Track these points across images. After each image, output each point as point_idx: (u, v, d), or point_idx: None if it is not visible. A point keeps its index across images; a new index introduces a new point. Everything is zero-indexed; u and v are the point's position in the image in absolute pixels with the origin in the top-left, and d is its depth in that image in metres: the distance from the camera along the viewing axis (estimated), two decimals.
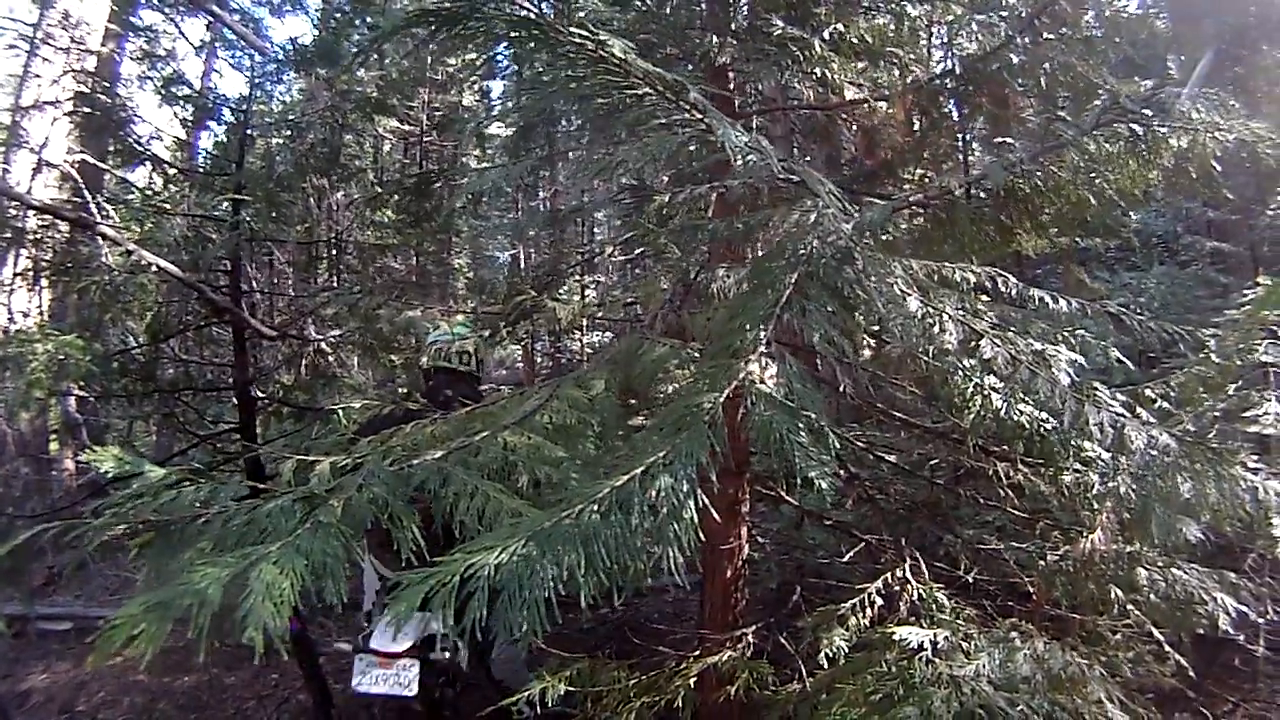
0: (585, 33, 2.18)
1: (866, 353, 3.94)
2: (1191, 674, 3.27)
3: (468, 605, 1.43)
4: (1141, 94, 3.62)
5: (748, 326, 2.02)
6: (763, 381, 1.90)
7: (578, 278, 6.39)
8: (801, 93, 4.61)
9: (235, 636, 1.61)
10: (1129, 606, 3.29)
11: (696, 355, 2.88)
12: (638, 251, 5.82)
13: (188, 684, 6.34)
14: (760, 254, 2.62)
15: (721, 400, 1.75)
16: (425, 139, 9.82)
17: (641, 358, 2.72)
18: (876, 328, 3.29)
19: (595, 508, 1.53)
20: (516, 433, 2.21)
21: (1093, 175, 3.43)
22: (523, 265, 11.06)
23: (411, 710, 4.08)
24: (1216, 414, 3.23)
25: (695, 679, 3.38)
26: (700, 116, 2.35)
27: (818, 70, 3.97)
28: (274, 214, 5.15)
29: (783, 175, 2.39)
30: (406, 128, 7.62)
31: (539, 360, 10.56)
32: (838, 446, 2.01)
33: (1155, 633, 3.25)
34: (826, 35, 3.83)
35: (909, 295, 2.85)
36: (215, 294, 4.45)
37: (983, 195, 3.40)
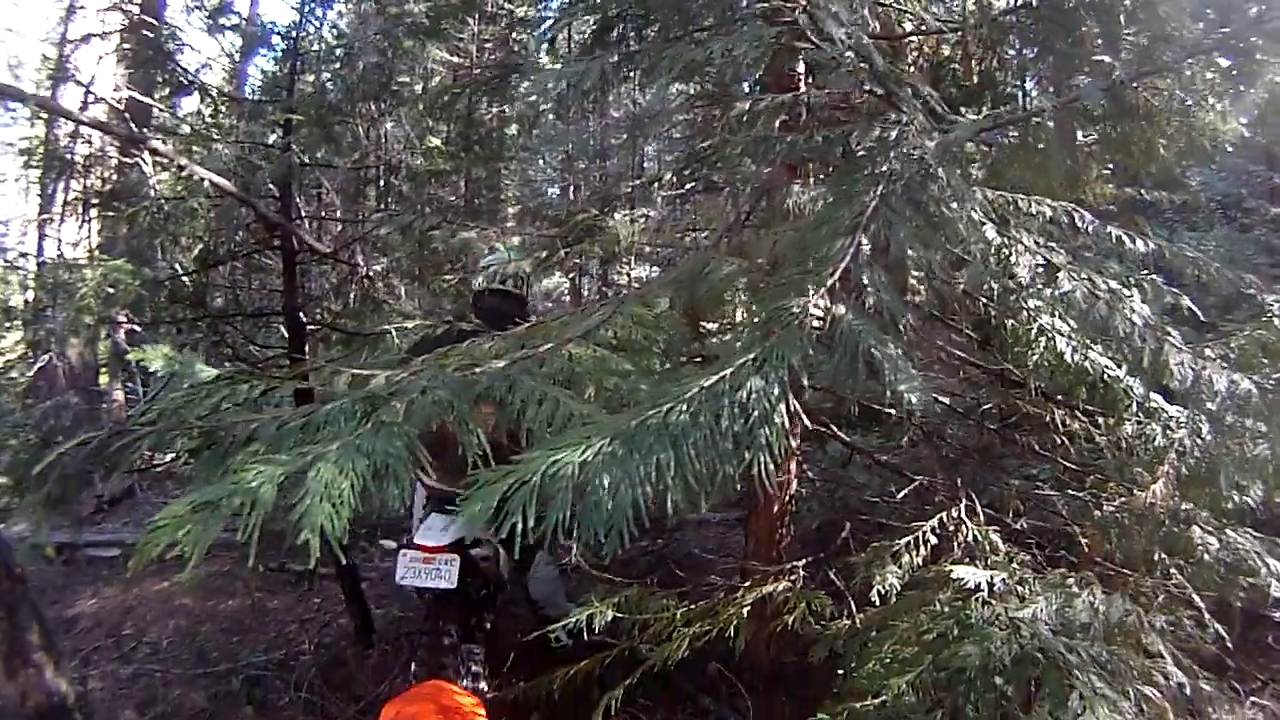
0: None
1: (922, 291, 3.77)
2: (1229, 644, 3.12)
3: (549, 506, 1.30)
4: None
5: (833, 236, 1.87)
6: (850, 293, 1.76)
7: (627, 211, 6.23)
8: (864, 22, 4.41)
9: (289, 539, 1.48)
10: (1172, 569, 3.17)
11: (767, 275, 2.75)
12: (688, 187, 5.65)
13: (231, 608, 6.37)
14: (839, 169, 2.46)
15: (810, 305, 1.61)
16: (475, 71, 9.66)
17: (707, 276, 2.58)
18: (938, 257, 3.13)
19: (684, 408, 1.40)
20: (581, 345, 2.08)
21: (1188, 106, 3.24)
22: (572, 196, 10.93)
23: (451, 606, 4.07)
24: (1275, 380, 3.06)
25: (748, 608, 3.27)
26: (807, 8, 2.19)
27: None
28: (325, 141, 5.02)
29: (869, 87, 2.24)
30: (456, 60, 7.45)
31: (585, 292, 10.43)
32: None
33: (1196, 598, 3.09)
34: None
35: (986, 223, 2.70)
36: (270, 214, 4.32)
37: (1078, 118, 3.22)
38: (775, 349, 1.47)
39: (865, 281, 1.80)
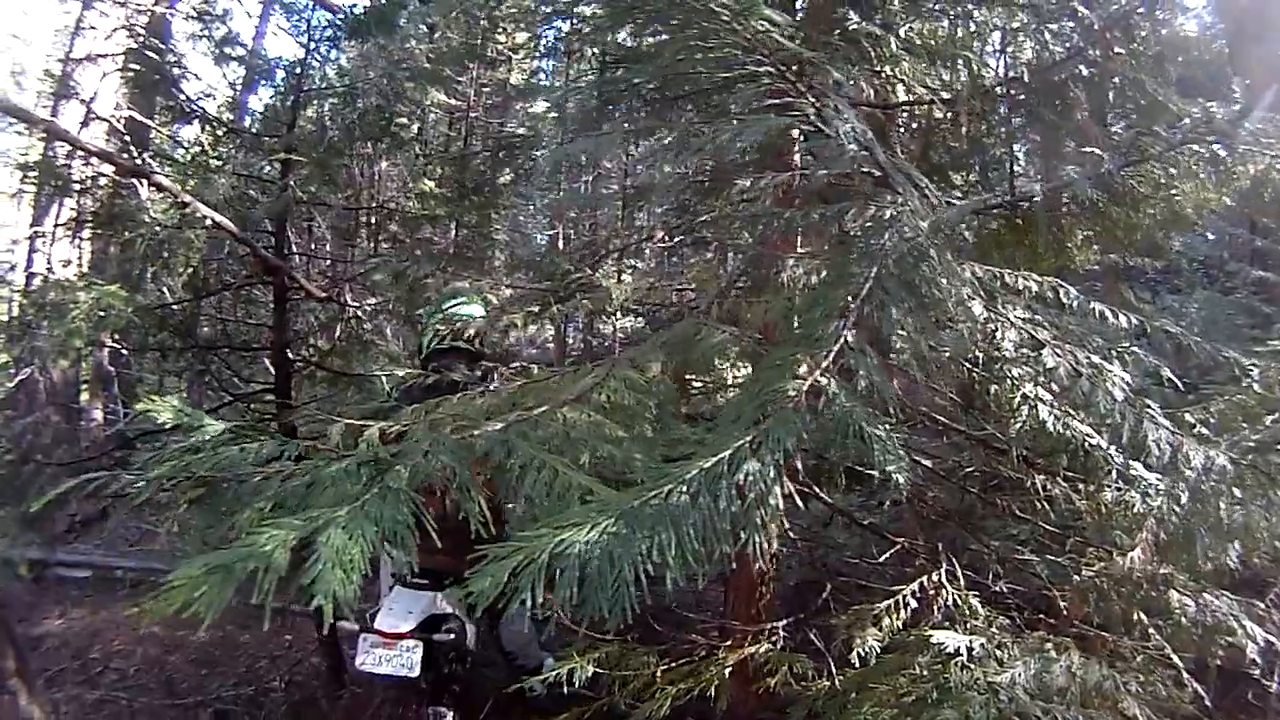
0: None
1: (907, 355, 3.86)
2: (1207, 704, 3.19)
3: (556, 583, 1.36)
4: (1214, 115, 3.53)
5: (827, 316, 1.95)
6: (842, 373, 1.83)
7: (614, 263, 6.32)
8: (860, 90, 4.52)
9: (303, 601, 1.54)
10: (1150, 630, 3.21)
11: (757, 343, 2.82)
12: (676, 240, 5.75)
13: (200, 639, 6.27)
14: (834, 246, 2.55)
15: (806, 387, 1.68)
16: (472, 114, 9.80)
17: (699, 343, 2.64)
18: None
19: (684, 489, 1.46)
20: (575, 409, 2.14)
21: (1173, 192, 3.36)
22: (561, 246, 11.04)
23: (417, 689, 4.06)
24: (1252, 444, 3.14)
25: (730, 669, 3.32)
26: (813, 101, 2.29)
27: (886, 69, 3.89)
28: (323, 178, 5.10)
29: (866, 169, 2.33)
30: (453, 102, 7.59)
31: (570, 341, 10.50)
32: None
33: (1175, 659, 3.16)
34: (901, 33, 3.74)
35: (974, 299, 2.79)
36: (266, 255, 4.38)
37: (1065, 203, 3.33)
38: (772, 432, 1.54)
39: (857, 365, 1.87)
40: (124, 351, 6.47)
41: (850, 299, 2.01)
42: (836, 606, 3.87)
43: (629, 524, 1.41)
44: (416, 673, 3.72)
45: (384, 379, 4.47)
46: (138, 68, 7.85)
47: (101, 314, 4.22)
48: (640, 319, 7.88)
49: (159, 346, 5.26)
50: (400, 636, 3.73)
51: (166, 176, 4.50)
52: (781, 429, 1.55)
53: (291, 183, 5.01)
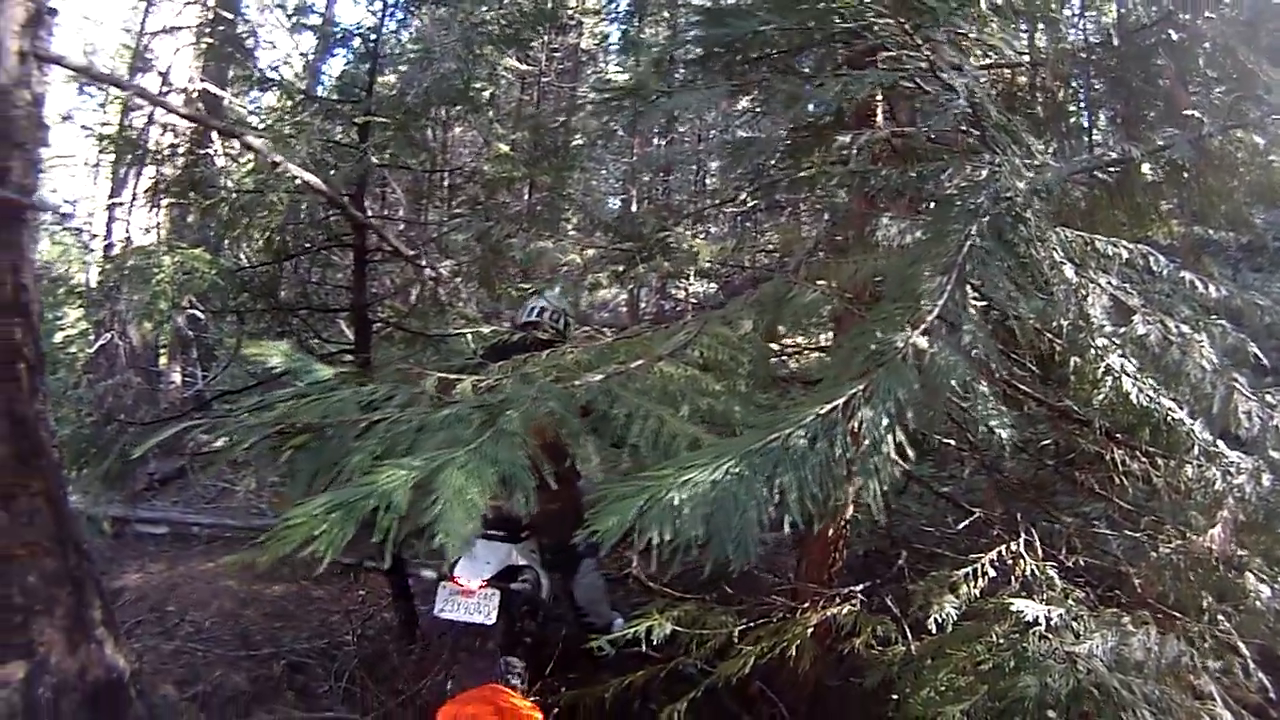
0: None
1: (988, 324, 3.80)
2: (1272, 695, 3.13)
3: (682, 523, 1.37)
4: None
5: (930, 273, 1.94)
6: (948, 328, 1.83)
7: (689, 226, 6.32)
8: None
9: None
10: (1220, 616, 3.17)
11: (849, 303, 2.81)
12: (751, 204, 5.74)
13: (275, 593, 6.49)
14: (935, 205, 2.53)
15: (912, 340, 1.68)
16: (544, 79, 9.84)
17: (790, 301, 2.64)
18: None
19: (801, 433, 1.47)
20: (671, 364, 2.16)
21: (1271, 159, 3.27)
22: (634, 209, 11.06)
23: (490, 639, 4.27)
24: None
25: (812, 630, 3.33)
26: (930, 54, 2.28)
27: (971, 30, 3.82)
28: (401, 143, 5.15)
29: (966, 128, 2.32)
30: (525, 67, 7.61)
31: (642, 305, 10.53)
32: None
33: (1242, 646, 3.10)
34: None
35: (1065, 263, 2.75)
36: (358, 214, 4.44)
37: (1162, 166, 3.26)
38: (883, 382, 1.54)
39: (961, 321, 1.86)
40: (201, 315, 6.58)
41: (953, 256, 2.00)
42: (910, 574, 3.85)
43: (750, 466, 1.41)
44: (492, 620, 3.95)
45: (470, 337, 4.56)
46: (211, 40, 8.01)
47: (186, 277, 4.31)
48: (713, 283, 7.90)
49: (240, 309, 5.35)
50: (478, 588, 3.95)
51: (260, 142, 4.55)
52: (893, 379, 1.55)
53: (369, 147, 5.05)
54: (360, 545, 5.16)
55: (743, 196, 4.66)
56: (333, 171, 5.04)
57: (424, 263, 5.07)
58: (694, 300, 8.65)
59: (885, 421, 1.50)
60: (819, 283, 2.77)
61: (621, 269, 5.05)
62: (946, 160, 2.44)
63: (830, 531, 4.23)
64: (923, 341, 1.71)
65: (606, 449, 1.93)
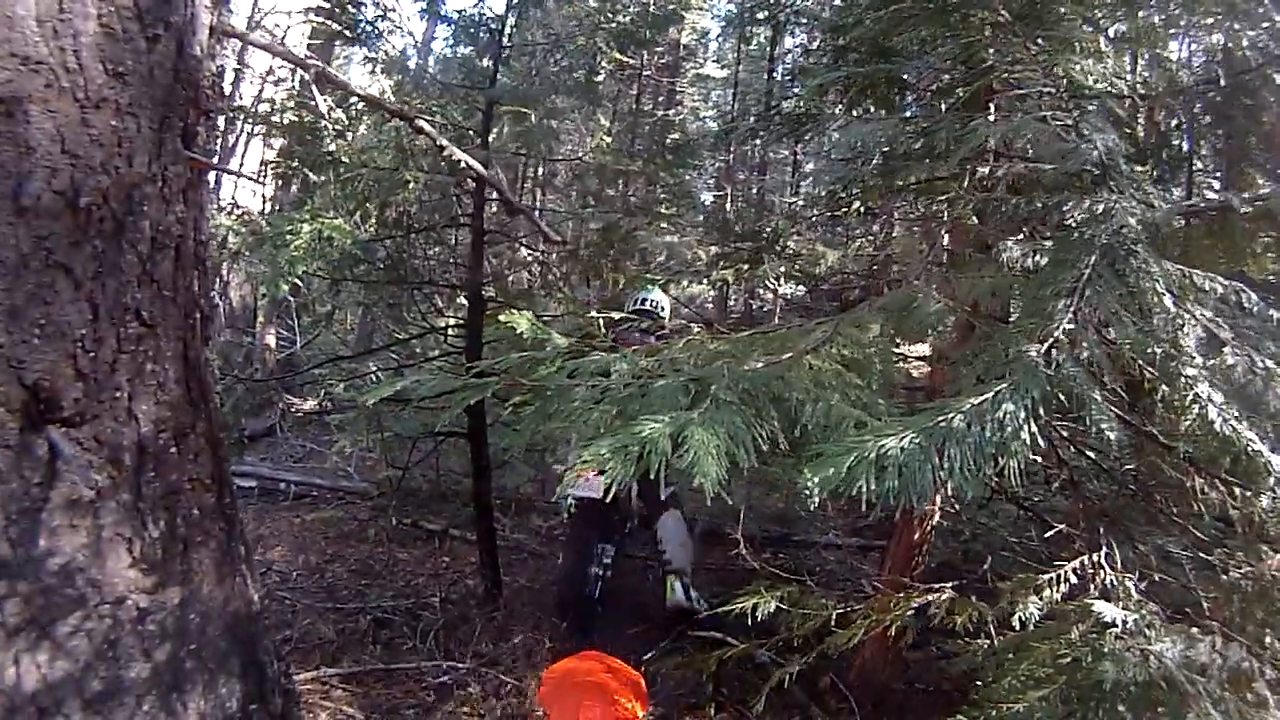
0: None
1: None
2: None
3: (882, 476, 1.84)
4: None
5: (1056, 296, 2.35)
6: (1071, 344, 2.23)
7: (785, 228, 6.67)
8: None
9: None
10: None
11: (968, 314, 3.19)
12: (842, 211, 6.10)
13: (361, 553, 6.95)
14: (1059, 236, 2.87)
15: (1044, 350, 2.10)
16: (644, 73, 10.21)
17: (915, 310, 3.01)
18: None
19: (960, 419, 1.91)
20: (817, 358, 2.57)
21: None
22: (727, 209, 11.42)
23: (594, 514, 5.52)
24: None
25: (913, 611, 3.67)
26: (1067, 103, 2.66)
27: (1080, 64, 4.14)
28: (523, 131, 5.57)
29: (1088, 166, 2.70)
30: (628, 60, 7.98)
31: (731, 303, 10.85)
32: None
33: None
34: (1111, 32, 4.01)
35: (1165, 294, 3.09)
36: (513, 199, 4.83)
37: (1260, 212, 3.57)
38: (1022, 383, 1.97)
39: (1080, 338, 2.27)
40: (300, 283, 7.03)
41: (1075, 281, 2.40)
42: (987, 582, 4.18)
43: (926, 437, 1.86)
44: (600, 494, 4.55)
45: (599, 319, 5.00)
46: (324, 19, 8.45)
47: (322, 244, 4.73)
48: (802, 285, 8.23)
49: (362, 278, 5.79)
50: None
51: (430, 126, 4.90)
52: (1029, 380, 1.98)
53: (493, 135, 5.46)
54: (446, 513, 5.62)
55: (855, 205, 4.99)
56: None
57: (567, 246, 5.44)
58: (782, 301, 8.98)
59: (1023, 415, 1.93)
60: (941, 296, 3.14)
61: (745, 267, 5.43)
62: (1069, 195, 2.80)
63: (916, 535, 4.57)
64: (1051, 353, 2.13)
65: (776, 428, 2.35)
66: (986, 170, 3.12)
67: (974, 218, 3.47)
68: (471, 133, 5.63)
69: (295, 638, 5.42)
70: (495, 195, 5.13)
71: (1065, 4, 3.73)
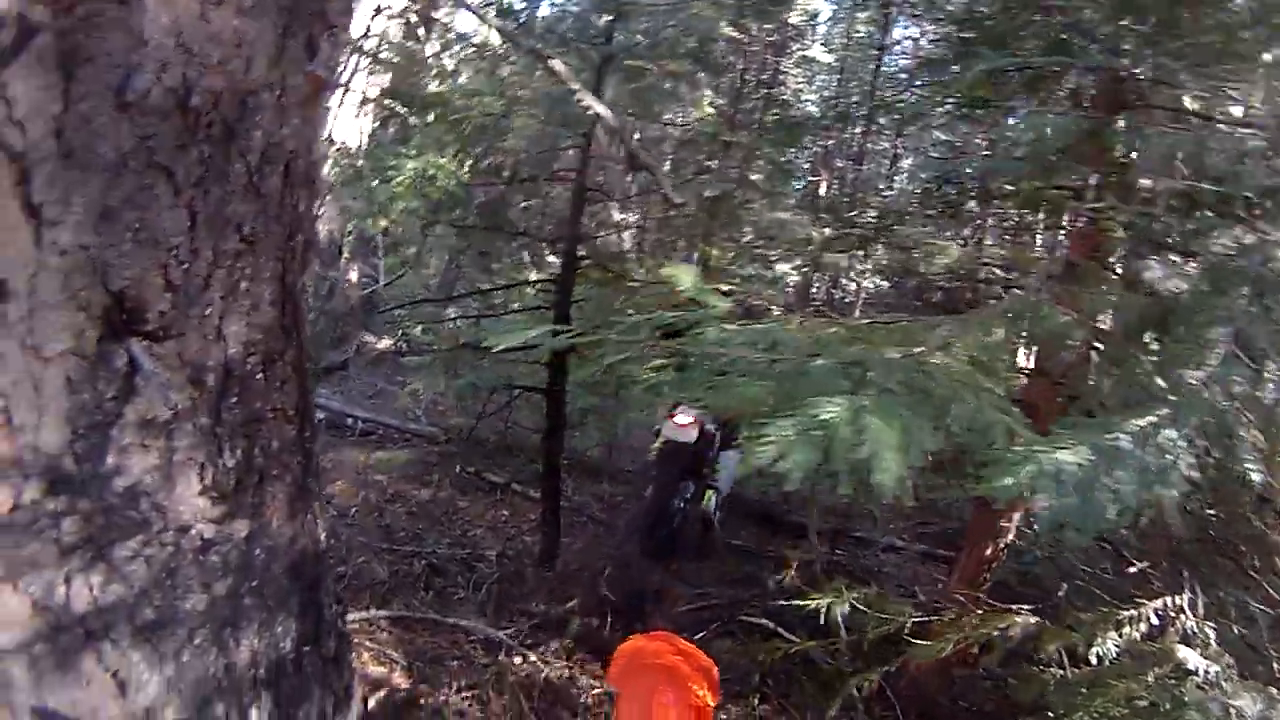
0: None
1: None
2: None
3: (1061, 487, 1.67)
4: None
5: (1210, 323, 2.13)
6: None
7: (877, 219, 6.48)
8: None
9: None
10: None
11: (1098, 332, 2.96)
12: (941, 209, 5.85)
13: (422, 496, 6.87)
14: (1211, 265, 2.65)
15: (1205, 378, 1.89)
16: (751, 49, 9.93)
17: (1042, 320, 2.79)
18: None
19: (1126, 439, 1.71)
20: (947, 355, 2.36)
21: None
22: (822, 191, 11.17)
23: (680, 456, 6.04)
24: None
25: (997, 631, 3.48)
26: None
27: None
28: (633, 93, 5.35)
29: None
30: (737, 35, 7.71)
31: (814, 289, 10.62)
32: None
33: None
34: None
35: None
36: (640, 152, 4.63)
37: None
38: (1183, 410, 1.76)
39: (1231, 370, 2.05)
40: (393, 220, 6.92)
41: (1227, 311, 2.17)
42: (1066, 609, 3.98)
43: (1097, 455, 1.67)
44: (691, 440, 5.88)
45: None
46: None
47: (424, 183, 4.59)
48: (884, 280, 8.02)
49: (457, 222, 5.62)
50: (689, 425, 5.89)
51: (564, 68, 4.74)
52: (1189, 408, 1.77)
53: (604, 91, 5.26)
54: (510, 467, 5.50)
55: (970, 204, 4.76)
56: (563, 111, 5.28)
57: (689, 209, 5.17)
58: (864, 294, 8.74)
59: (1185, 443, 1.72)
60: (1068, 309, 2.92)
61: (860, 252, 5.20)
62: (1222, 220, 2.58)
63: (989, 550, 4.37)
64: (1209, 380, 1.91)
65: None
66: (1151, 183, 2.88)
67: (1120, 230, 3.23)
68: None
69: (349, 574, 5.37)
70: (611, 150, 4.93)
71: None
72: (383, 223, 4.57)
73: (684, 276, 2.70)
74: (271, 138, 2.03)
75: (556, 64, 3.98)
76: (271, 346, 2.25)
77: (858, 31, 14.62)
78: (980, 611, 3.63)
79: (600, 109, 4.05)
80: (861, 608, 3.60)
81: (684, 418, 5.86)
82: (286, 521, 2.45)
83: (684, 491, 6.15)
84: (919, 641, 3.49)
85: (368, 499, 6.70)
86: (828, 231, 5.68)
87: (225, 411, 2.09)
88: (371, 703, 3.93)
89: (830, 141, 11.84)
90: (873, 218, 5.51)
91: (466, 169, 5.36)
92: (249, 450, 2.22)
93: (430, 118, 5.32)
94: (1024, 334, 2.92)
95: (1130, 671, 3.23)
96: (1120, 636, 3.44)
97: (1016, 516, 4.33)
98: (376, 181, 4.74)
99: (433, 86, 5.08)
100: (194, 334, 1.94)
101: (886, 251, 5.18)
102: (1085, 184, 3.89)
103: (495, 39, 6.27)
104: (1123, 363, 2.40)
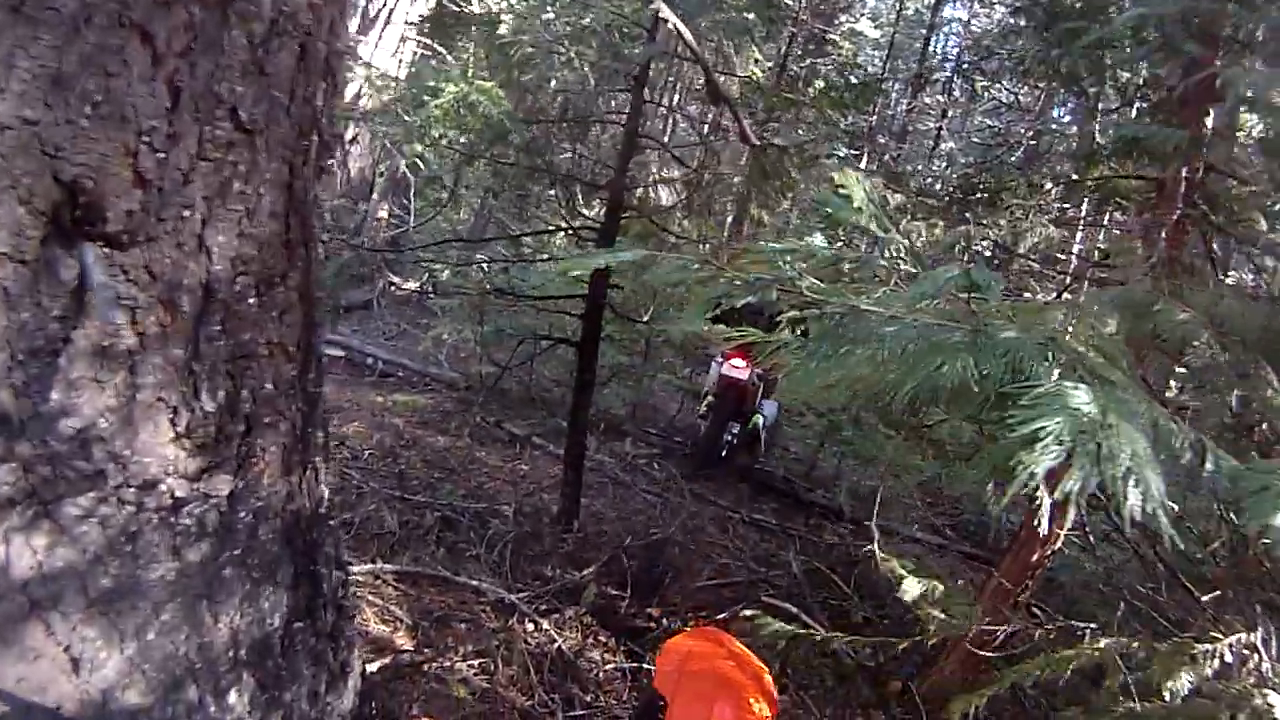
0: None
1: None
2: None
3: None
4: None
5: None
6: None
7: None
8: None
9: None
10: None
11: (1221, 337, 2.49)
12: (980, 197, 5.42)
13: (440, 444, 6.46)
14: None
15: None
16: (801, 17, 9.45)
17: (1156, 315, 2.34)
18: None
19: None
20: (1073, 340, 1.94)
21: None
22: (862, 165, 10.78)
23: (729, 400, 6.96)
24: None
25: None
26: None
27: None
28: (689, 36, 4.84)
29: None
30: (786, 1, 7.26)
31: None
32: None
33: None
34: None
35: None
36: (719, 84, 4.14)
37: None
38: None
39: None
40: (427, 155, 6.42)
41: None
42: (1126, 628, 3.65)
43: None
44: (746, 377, 6.87)
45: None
46: None
47: (467, 109, 4.12)
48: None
49: (499, 159, 5.13)
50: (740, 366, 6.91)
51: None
52: None
53: (661, 28, 4.79)
54: (533, 420, 5.07)
55: (1049, 187, 4.34)
56: (619, 51, 4.80)
57: (768, 151, 4.63)
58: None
59: None
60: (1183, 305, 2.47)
61: (966, 230, 4.75)
62: None
63: (1035, 556, 4.05)
64: None
65: None
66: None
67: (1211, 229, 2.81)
68: (638, 28, 4.93)
69: (356, 523, 4.95)
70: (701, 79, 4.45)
71: None
72: (419, 148, 4.09)
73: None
74: (283, 5, 1.56)
75: None
76: (269, 266, 1.80)
77: (907, 9, 14.23)
78: (1047, 629, 3.24)
79: (681, 27, 3.58)
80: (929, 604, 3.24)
81: (739, 360, 6.81)
82: (280, 477, 2.02)
83: (731, 428, 7.08)
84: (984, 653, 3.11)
85: (382, 443, 6.26)
86: (900, 198, 5.20)
87: (205, 342, 1.63)
88: (374, 667, 3.55)
89: (875, 117, 11.39)
90: (950, 189, 5.04)
91: (511, 101, 4.88)
92: (235, 392, 1.77)
93: (477, 41, 4.83)
94: (1147, 329, 2.45)
95: (1200, 713, 2.87)
96: (1195, 673, 3.07)
97: (1070, 521, 3.93)
98: (415, 107, 4.24)
99: (483, 5, 4.62)
100: (168, 242, 1.48)
101: (983, 227, 4.70)
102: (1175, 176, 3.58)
103: None
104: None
